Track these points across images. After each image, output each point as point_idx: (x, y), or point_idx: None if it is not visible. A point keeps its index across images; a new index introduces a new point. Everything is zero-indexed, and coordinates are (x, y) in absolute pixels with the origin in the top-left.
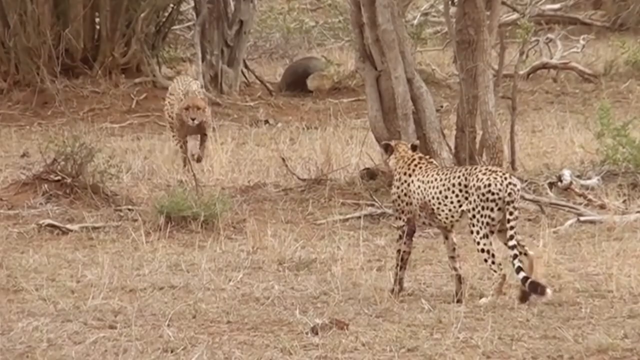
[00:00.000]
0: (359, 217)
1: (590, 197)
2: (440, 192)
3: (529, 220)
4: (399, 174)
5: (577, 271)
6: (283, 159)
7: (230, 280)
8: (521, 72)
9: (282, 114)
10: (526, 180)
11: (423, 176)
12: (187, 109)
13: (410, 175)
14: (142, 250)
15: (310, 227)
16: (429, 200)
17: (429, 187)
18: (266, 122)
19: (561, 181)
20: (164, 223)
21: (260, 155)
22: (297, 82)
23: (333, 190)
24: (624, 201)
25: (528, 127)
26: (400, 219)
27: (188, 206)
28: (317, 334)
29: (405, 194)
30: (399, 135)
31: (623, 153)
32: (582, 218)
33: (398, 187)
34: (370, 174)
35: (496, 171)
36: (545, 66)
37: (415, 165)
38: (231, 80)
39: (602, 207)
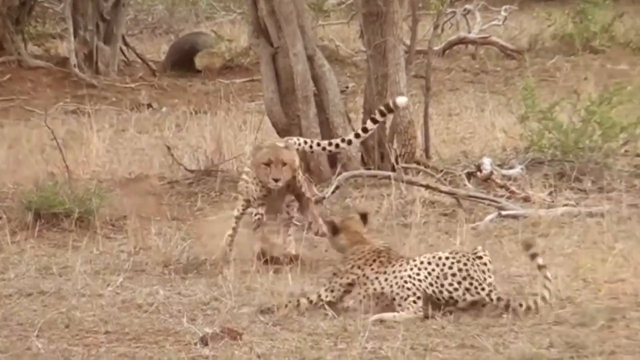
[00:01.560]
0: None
1: (512, 188)
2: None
3: (445, 215)
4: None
5: (498, 272)
6: (168, 148)
7: (108, 285)
8: (436, 48)
9: (167, 97)
10: (442, 170)
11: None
12: (267, 164)
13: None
14: (7, 251)
15: (199, 224)
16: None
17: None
18: (149, 106)
19: (480, 171)
20: (32, 221)
21: (142, 143)
22: (183, 60)
23: (225, 182)
24: (550, 193)
25: (444, 110)
26: (331, 290)
27: (60, 202)
28: (206, 344)
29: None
30: (298, 119)
31: (549, 139)
32: (503, 212)
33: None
34: None
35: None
36: (462, 41)
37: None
38: (108, 58)
39: (526, 199)
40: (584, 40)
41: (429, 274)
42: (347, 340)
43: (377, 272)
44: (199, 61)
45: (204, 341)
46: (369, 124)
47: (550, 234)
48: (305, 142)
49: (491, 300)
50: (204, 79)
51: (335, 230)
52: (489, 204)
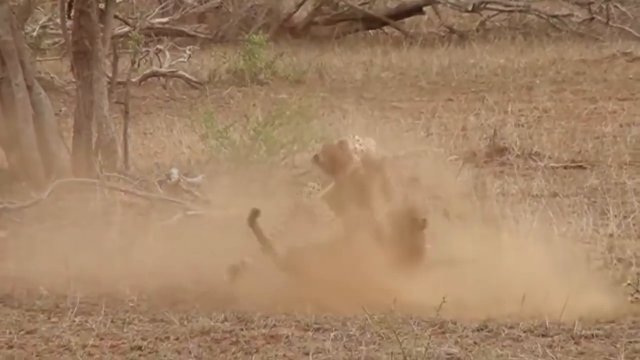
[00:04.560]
0: None
1: (196, 193)
2: None
3: (141, 215)
4: None
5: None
6: None
7: None
8: (133, 80)
9: None
10: (138, 178)
11: None
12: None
13: None
14: None
15: None
16: None
17: None
18: None
19: (170, 179)
20: None
21: None
22: None
23: None
24: (226, 198)
25: (140, 129)
26: None
27: None
28: None
29: None
30: (19, 136)
31: (225, 153)
32: (188, 212)
33: None
34: None
35: None
36: (155, 74)
37: None
38: None
39: (207, 202)
40: (252, 74)
41: None
42: (59, 315)
43: None
44: None
45: None
46: None
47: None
48: None
49: None
50: None
51: None
52: (177, 206)
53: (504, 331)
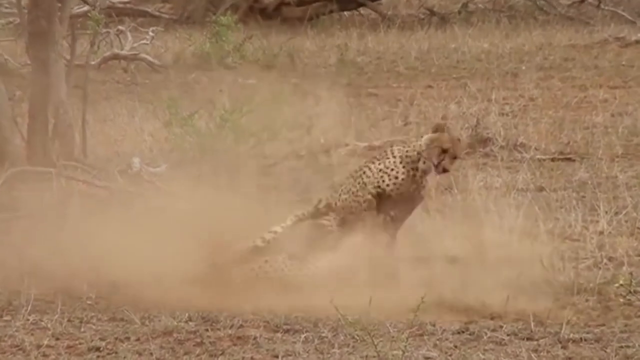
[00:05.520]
0: None
1: (158, 184)
2: None
3: (99, 206)
4: None
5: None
6: None
7: None
8: (93, 63)
9: None
10: (97, 168)
11: None
12: (444, 151)
13: None
14: None
15: None
16: None
17: None
18: None
19: (131, 168)
20: None
21: None
22: None
23: None
24: (190, 188)
25: (99, 115)
26: None
27: None
28: None
29: None
30: None
31: (190, 142)
32: (150, 204)
33: None
34: None
35: None
36: (116, 57)
37: None
38: None
39: (170, 193)
40: (219, 58)
41: None
42: (12, 313)
43: None
44: None
45: None
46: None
47: None
48: None
49: None
50: None
51: None
52: (138, 197)
53: (486, 334)
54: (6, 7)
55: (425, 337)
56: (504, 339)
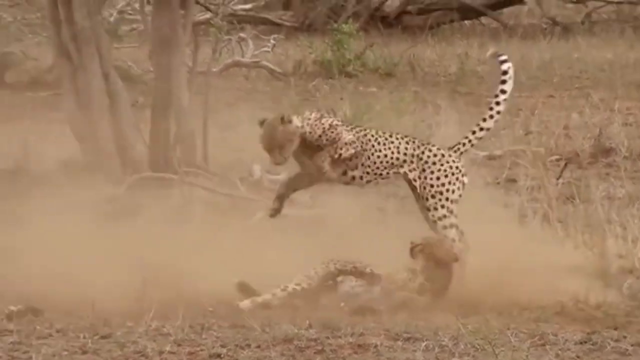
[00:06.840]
0: None
1: None
2: None
3: (221, 213)
4: None
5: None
6: None
7: None
8: (214, 70)
9: None
10: (218, 175)
11: None
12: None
13: None
14: None
15: None
16: None
17: None
18: None
19: (252, 176)
20: None
21: None
22: None
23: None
24: (311, 196)
25: (221, 122)
26: None
27: None
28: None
29: None
30: (94, 127)
31: None
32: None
33: None
34: None
35: None
36: (237, 64)
37: None
38: None
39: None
40: (340, 66)
41: None
42: (135, 319)
43: None
44: (9, 77)
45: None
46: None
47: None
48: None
49: None
50: (13, 92)
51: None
52: (260, 204)
53: (609, 344)
54: (130, 14)
55: (547, 347)
56: (627, 349)
